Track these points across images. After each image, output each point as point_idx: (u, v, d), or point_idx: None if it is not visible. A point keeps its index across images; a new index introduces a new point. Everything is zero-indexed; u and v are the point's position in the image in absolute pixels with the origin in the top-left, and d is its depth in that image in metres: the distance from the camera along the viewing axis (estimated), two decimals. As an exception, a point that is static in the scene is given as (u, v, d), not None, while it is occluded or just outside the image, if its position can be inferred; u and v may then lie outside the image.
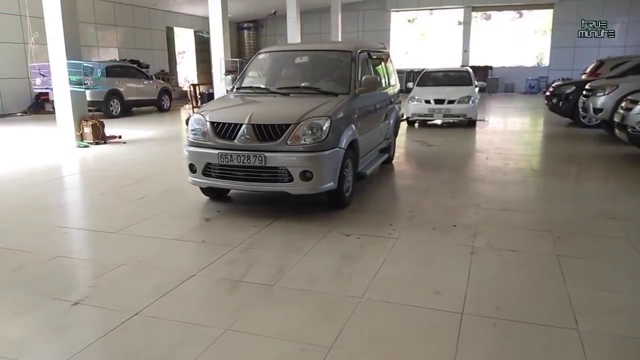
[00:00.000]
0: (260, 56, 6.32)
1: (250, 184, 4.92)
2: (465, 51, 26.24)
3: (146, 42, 22.50)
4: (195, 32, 25.94)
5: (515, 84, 25.36)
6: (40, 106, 16.43)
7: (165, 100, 17.33)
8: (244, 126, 4.81)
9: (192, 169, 5.15)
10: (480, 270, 3.68)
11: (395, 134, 7.85)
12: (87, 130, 9.63)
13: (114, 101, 15.03)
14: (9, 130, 12.64)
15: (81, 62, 9.25)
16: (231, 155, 4.81)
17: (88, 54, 19.24)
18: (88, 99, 13.83)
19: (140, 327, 2.92)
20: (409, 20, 30.16)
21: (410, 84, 13.74)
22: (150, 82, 16.95)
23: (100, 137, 9.76)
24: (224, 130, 4.91)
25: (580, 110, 10.63)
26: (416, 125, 12.51)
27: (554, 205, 5.45)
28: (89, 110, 14.02)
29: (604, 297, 3.26)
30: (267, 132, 4.77)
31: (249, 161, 4.76)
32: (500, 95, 23.67)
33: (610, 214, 5.00)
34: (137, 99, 16.22)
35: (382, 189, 6.15)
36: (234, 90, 6.01)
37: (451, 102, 11.72)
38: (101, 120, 10.00)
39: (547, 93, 13.09)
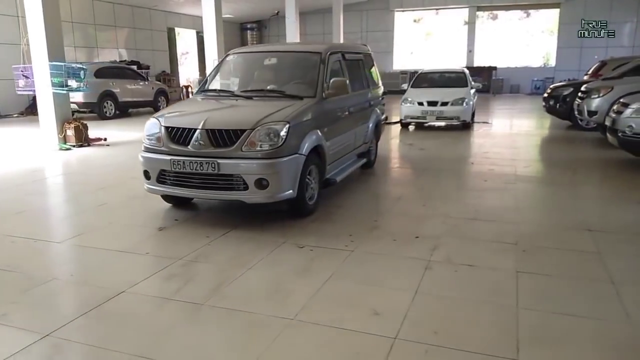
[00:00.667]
0: (229, 57, 6.11)
1: (204, 192, 4.70)
2: (470, 51, 25.85)
3: (147, 43, 22.43)
4: (197, 32, 25.81)
5: (521, 85, 24.88)
6: (36, 107, 16.37)
7: (161, 101, 17.19)
8: (197, 131, 4.60)
9: (146, 175, 4.95)
10: (429, 287, 3.43)
11: (377, 137, 7.61)
12: (70, 132, 9.50)
13: (107, 102, 14.94)
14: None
15: (63, 63, 9.10)
16: (184, 162, 4.61)
17: (89, 55, 19.29)
18: (81, 100, 13.91)
19: (44, 351, 2.72)
20: (414, 20, 29.80)
21: (404, 86, 13.45)
22: (146, 83, 16.84)
23: (83, 140, 9.62)
24: (177, 135, 4.72)
25: (576, 112, 10.28)
26: (411, 127, 12.24)
27: (529, 214, 5.18)
28: (82, 112, 14.11)
29: (556, 322, 2.98)
30: (221, 138, 4.56)
31: (201, 168, 4.55)
32: (505, 97, 23.21)
33: (586, 225, 4.71)
34: (132, 100, 16.11)
35: (353, 196, 5.91)
36: (200, 92, 5.81)
37: (444, 104, 11.42)
38: (84, 122, 9.86)
39: (545, 95, 12.72)
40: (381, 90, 7.74)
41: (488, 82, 23.25)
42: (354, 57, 6.71)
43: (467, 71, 13.02)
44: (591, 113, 9.03)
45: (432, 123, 12.15)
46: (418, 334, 2.82)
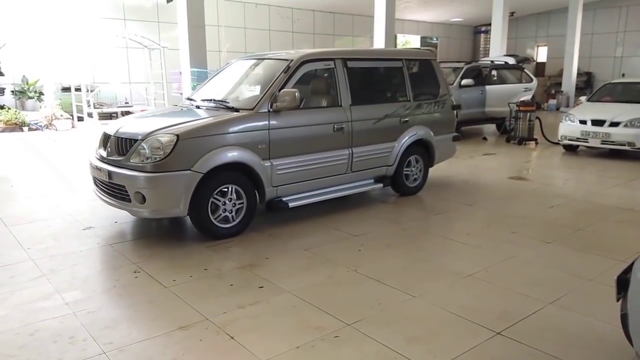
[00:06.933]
0: (227, 65, 5.92)
1: (110, 199, 4.66)
2: None
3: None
4: (422, 38, 25.51)
5: None
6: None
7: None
8: (111, 137, 4.67)
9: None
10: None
11: (428, 160, 6.28)
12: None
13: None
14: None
15: (197, 69, 10.24)
16: (95, 167, 4.73)
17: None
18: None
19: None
20: None
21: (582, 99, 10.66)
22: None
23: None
24: (103, 141, 4.86)
25: None
26: (577, 150, 9.62)
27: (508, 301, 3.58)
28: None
29: None
30: (121, 146, 4.53)
31: (100, 175, 4.60)
32: None
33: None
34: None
35: (303, 226, 4.98)
36: (186, 100, 5.82)
37: (614, 124, 8.64)
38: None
39: None
40: (441, 103, 6.33)
41: None
42: (372, 65, 5.70)
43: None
44: None
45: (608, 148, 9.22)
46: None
